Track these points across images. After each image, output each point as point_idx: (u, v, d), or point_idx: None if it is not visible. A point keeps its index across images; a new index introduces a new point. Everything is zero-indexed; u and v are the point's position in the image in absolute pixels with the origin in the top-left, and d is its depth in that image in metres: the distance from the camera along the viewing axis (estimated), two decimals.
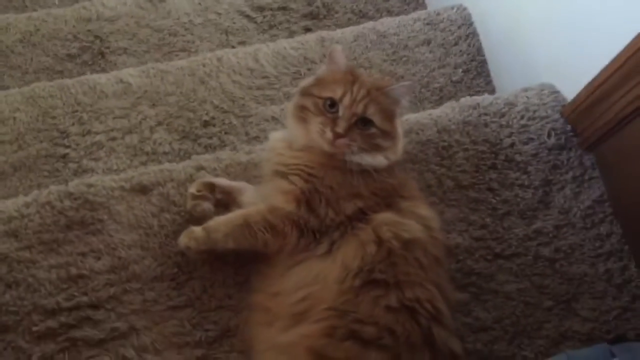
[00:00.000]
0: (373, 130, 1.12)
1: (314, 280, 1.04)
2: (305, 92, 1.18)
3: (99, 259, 1.18)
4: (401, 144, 1.18)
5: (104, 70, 1.81)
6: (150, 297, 1.16)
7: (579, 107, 1.32)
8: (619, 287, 1.24)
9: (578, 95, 1.32)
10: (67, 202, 1.22)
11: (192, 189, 1.20)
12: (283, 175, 1.13)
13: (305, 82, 1.22)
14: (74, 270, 1.16)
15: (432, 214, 1.13)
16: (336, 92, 1.12)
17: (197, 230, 1.12)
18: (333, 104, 1.12)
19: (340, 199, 1.09)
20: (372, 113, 1.12)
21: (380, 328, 0.96)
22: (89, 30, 1.87)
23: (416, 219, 1.08)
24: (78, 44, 1.86)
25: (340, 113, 1.11)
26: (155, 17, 1.91)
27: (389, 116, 1.15)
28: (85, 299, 1.14)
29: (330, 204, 1.08)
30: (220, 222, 1.11)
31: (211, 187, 1.21)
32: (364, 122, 1.11)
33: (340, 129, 1.09)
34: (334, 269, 1.03)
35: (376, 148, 1.13)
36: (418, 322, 0.98)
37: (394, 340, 0.95)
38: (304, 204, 1.08)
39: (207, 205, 1.18)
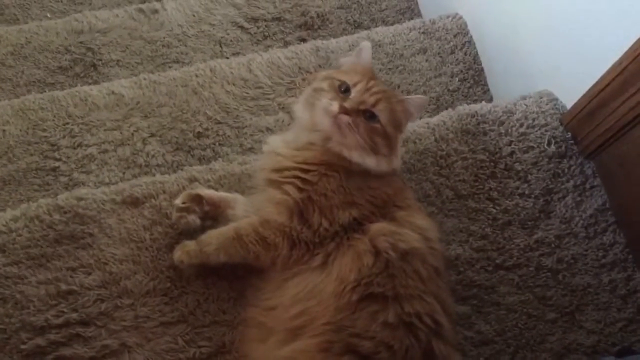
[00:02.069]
0: (377, 126, 1.10)
1: (309, 294, 1.01)
2: (326, 77, 1.18)
3: (89, 274, 1.15)
4: (397, 160, 1.16)
5: (96, 83, 1.78)
6: (142, 313, 1.13)
7: (578, 115, 1.31)
8: (624, 298, 1.22)
9: (577, 103, 1.31)
10: (56, 216, 1.19)
11: (178, 201, 1.17)
12: (276, 184, 1.10)
13: (327, 70, 1.23)
14: (63, 286, 1.13)
15: (429, 224, 1.10)
16: (353, 79, 1.12)
17: (189, 244, 1.11)
18: (347, 89, 1.12)
19: (334, 208, 1.06)
20: (381, 110, 1.10)
21: (377, 343, 0.93)
22: (80, 42, 1.85)
23: (413, 229, 1.06)
24: (70, 56, 1.83)
25: (352, 96, 1.10)
26: (148, 28, 1.89)
27: (396, 124, 1.13)
28: (75, 315, 1.11)
29: (324, 213, 1.05)
30: (213, 235, 1.10)
31: (198, 199, 1.17)
32: (370, 116, 1.10)
33: (347, 105, 1.07)
34: (329, 282, 1.00)
35: (374, 148, 1.10)
36: (417, 337, 0.95)
37: (392, 356, 0.92)
38: (296, 215, 1.06)
39: (192, 218, 1.16)
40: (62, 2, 2.14)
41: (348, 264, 1.00)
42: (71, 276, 1.14)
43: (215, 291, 1.16)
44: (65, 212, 1.19)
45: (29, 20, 2.06)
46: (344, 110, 1.07)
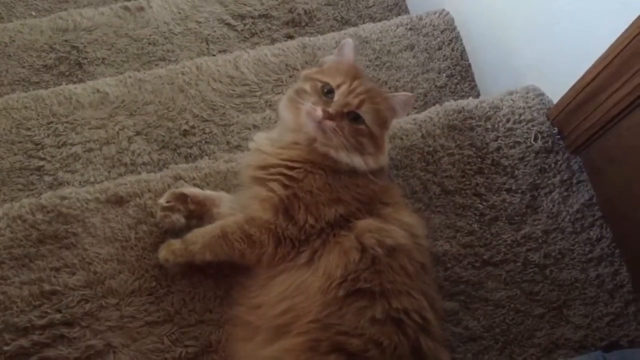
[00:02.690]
0: (362, 127, 1.09)
1: (296, 290, 1.00)
2: (307, 77, 1.16)
3: (73, 274, 1.14)
4: (384, 157, 1.15)
5: (81, 81, 1.76)
6: (127, 312, 1.12)
7: (564, 110, 1.31)
8: (611, 293, 1.22)
9: (563, 98, 1.31)
10: (39, 216, 1.17)
11: (162, 200, 1.16)
12: (261, 181, 1.09)
13: (309, 70, 1.21)
14: (47, 286, 1.12)
15: (415, 220, 1.10)
16: (336, 80, 1.11)
17: (175, 242, 1.11)
18: (330, 90, 1.10)
19: (320, 205, 1.05)
20: (365, 111, 1.09)
21: (366, 340, 0.92)
22: (65, 41, 1.83)
23: (399, 225, 1.05)
24: (54, 54, 1.81)
25: (335, 99, 1.09)
26: (134, 26, 1.87)
27: (381, 122, 1.13)
28: (59, 316, 1.09)
29: (309, 210, 1.05)
30: (198, 234, 1.10)
31: (183, 198, 1.16)
32: (355, 117, 1.09)
33: (331, 109, 1.07)
34: (316, 279, 0.99)
35: (360, 148, 1.10)
36: (405, 333, 0.94)
37: (381, 353, 0.92)
38: (282, 212, 1.05)
39: (176, 217, 1.15)
40: (47, 0, 2.12)
41: (334, 260, 1.00)
42: (55, 276, 1.13)
43: (201, 290, 1.15)
44: (48, 212, 1.18)
45: (13, 18, 2.03)
46: (328, 116, 1.06)
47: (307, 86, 1.13)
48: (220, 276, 1.16)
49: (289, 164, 1.09)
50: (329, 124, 1.06)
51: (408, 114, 1.36)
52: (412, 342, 0.94)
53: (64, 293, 1.12)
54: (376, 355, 0.91)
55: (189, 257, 1.09)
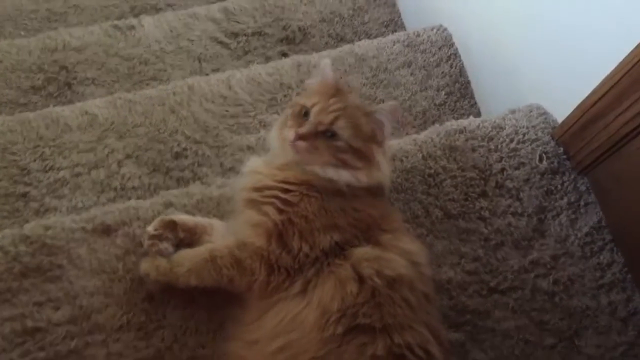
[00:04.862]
0: (340, 143, 1.06)
1: (290, 325, 0.94)
2: (291, 103, 1.17)
3: (57, 309, 1.08)
4: (380, 173, 1.10)
5: (70, 102, 1.72)
6: (115, 349, 1.05)
7: (570, 129, 1.26)
8: (624, 321, 1.16)
9: (569, 117, 1.26)
10: (22, 247, 1.11)
11: (150, 228, 1.10)
12: (255, 204, 1.05)
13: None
14: (29, 323, 1.06)
15: (417, 247, 1.05)
16: (311, 100, 1.09)
17: (161, 258, 1.06)
18: (307, 112, 1.09)
19: (315, 231, 1.00)
20: (341, 127, 1.06)
21: None
22: (54, 61, 1.78)
23: (399, 254, 1.00)
24: (43, 75, 1.76)
25: (309, 119, 1.07)
26: (125, 45, 1.83)
27: (366, 136, 1.08)
28: (42, 354, 1.03)
29: (304, 237, 1.00)
30: (186, 256, 1.05)
31: (172, 225, 1.11)
32: (332, 135, 1.06)
33: (302, 130, 1.04)
34: (310, 312, 0.94)
35: (343, 164, 1.06)
36: None
37: None
38: (275, 238, 1.00)
39: (164, 246, 1.09)
40: (36, 19, 2.08)
41: (329, 292, 0.94)
42: (38, 312, 1.07)
43: (193, 324, 1.09)
44: (31, 243, 1.12)
45: (1, 39, 1.98)
46: (299, 137, 1.04)
47: (290, 111, 1.12)
48: (214, 308, 1.10)
49: (284, 185, 1.05)
50: (301, 144, 1.04)
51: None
52: None
53: (47, 330, 1.06)
54: None
55: (172, 278, 1.04)
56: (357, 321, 0.91)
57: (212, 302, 1.10)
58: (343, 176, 1.06)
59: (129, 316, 1.08)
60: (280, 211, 1.02)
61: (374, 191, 1.09)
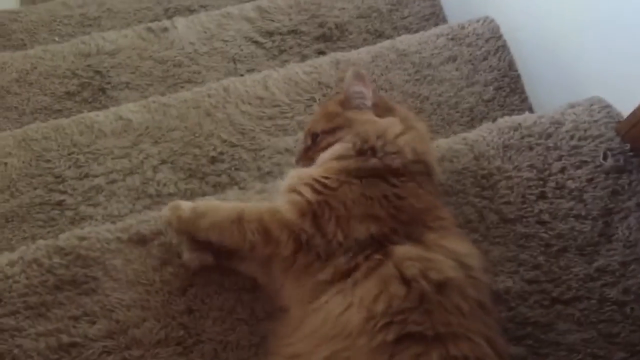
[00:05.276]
0: (318, 137, 1.13)
1: (333, 328, 0.87)
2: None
3: (93, 323, 1.04)
4: (379, 124, 1.07)
5: (105, 107, 1.69)
6: None
7: (638, 124, 1.15)
8: None
9: (636, 110, 1.16)
10: (56, 259, 1.08)
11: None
12: (293, 189, 1.01)
13: None
14: (65, 338, 1.02)
15: (468, 249, 0.97)
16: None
17: (184, 208, 1.04)
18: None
19: (352, 219, 0.95)
20: (314, 124, 1.16)
21: None
22: (88, 66, 1.76)
23: (445, 254, 0.92)
24: (77, 80, 1.75)
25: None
26: (158, 48, 1.80)
27: (331, 116, 1.13)
28: None
29: (340, 223, 0.95)
30: (212, 208, 1.04)
31: None
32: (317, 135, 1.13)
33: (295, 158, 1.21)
34: (354, 313, 0.86)
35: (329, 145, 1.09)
36: None
37: None
38: (310, 217, 0.96)
39: (204, 257, 1.07)
40: (70, 25, 2.07)
41: (372, 291, 0.87)
42: (74, 326, 1.03)
43: (234, 338, 1.04)
44: (66, 254, 1.08)
45: (36, 45, 1.98)
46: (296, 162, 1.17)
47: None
48: (256, 321, 1.05)
49: (323, 174, 1.01)
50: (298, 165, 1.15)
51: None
52: None
53: (83, 345, 1.02)
54: None
55: (194, 230, 1.03)
56: (407, 329, 0.83)
57: (253, 315, 1.05)
58: (337, 149, 1.06)
59: (167, 330, 1.03)
60: (317, 192, 0.98)
61: (414, 171, 1.03)
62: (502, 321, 1.05)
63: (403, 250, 0.91)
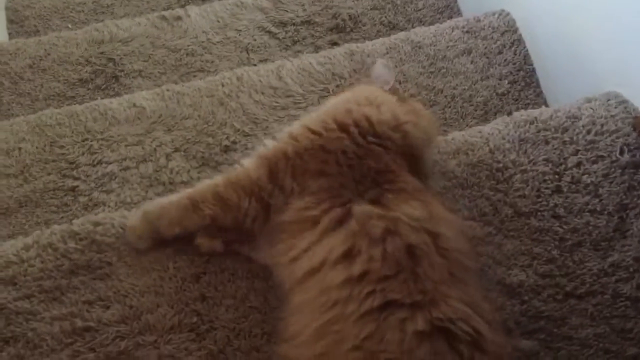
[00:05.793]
0: None
1: (319, 296, 0.87)
2: None
3: (107, 308, 1.04)
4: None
5: (117, 95, 1.70)
6: (166, 351, 1.01)
7: None
8: None
9: None
10: (71, 244, 1.08)
11: None
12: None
13: None
14: (79, 322, 1.02)
15: (434, 214, 0.94)
16: None
17: (134, 220, 1.08)
18: None
19: (306, 172, 0.97)
20: None
21: None
22: (101, 53, 1.76)
23: (407, 217, 0.90)
24: (90, 67, 1.75)
25: None
26: (172, 36, 1.80)
27: None
28: (92, 355, 1.00)
29: (295, 175, 0.98)
30: (162, 206, 1.06)
31: None
32: None
33: None
34: (333, 274, 0.86)
35: None
36: (458, 352, 0.79)
37: None
38: (266, 171, 0.99)
39: (215, 244, 1.07)
40: (83, 12, 2.07)
41: (340, 246, 0.88)
42: (88, 311, 1.03)
43: (247, 326, 1.04)
44: (81, 239, 1.09)
45: (49, 31, 1.99)
46: None
47: None
48: (269, 309, 1.05)
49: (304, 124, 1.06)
50: None
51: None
52: None
53: (97, 329, 1.02)
54: None
55: (154, 234, 1.06)
56: (388, 297, 0.83)
57: (266, 303, 1.05)
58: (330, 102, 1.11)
59: (180, 316, 1.04)
60: (281, 142, 1.02)
61: (389, 137, 1.01)
62: (514, 315, 1.05)
63: (361, 209, 0.91)
